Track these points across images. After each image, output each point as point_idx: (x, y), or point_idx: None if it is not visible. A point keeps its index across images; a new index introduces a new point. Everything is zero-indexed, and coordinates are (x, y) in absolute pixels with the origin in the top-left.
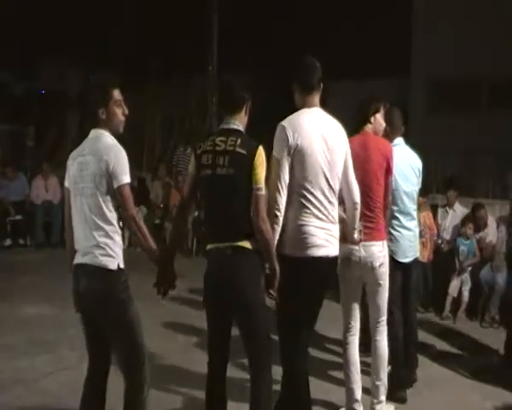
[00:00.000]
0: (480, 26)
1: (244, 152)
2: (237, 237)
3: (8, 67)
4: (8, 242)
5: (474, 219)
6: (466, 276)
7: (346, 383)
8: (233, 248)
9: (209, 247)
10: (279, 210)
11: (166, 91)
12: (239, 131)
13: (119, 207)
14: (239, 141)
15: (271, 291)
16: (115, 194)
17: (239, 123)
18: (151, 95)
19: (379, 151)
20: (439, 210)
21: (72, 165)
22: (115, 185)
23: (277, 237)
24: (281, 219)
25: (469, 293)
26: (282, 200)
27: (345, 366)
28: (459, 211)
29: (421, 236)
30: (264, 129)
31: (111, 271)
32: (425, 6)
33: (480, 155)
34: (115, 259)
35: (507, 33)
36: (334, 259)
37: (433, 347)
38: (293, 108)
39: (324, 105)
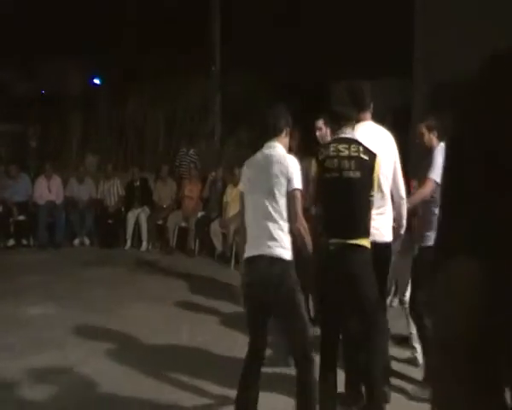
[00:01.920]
0: (481, 26)
1: (367, 158)
2: (356, 234)
3: (10, 66)
4: (11, 242)
5: None
6: None
7: None
8: (352, 245)
9: (328, 242)
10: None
11: (169, 91)
12: (357, 140)
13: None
14: (361, 148)
15: None
16: (288, 195)
17: (353, 133)
18: (153, 95)
19: None
20: None
21: (249, 168)
22: (290, 188)
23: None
24: None
25: None
26: None
27: None
28: None
29: None
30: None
31: (286, 260)
32: (426, 6)
33: None
34: (288, 250)
35: (509, 33)
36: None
37: None
38: (301, 109)
39: (326, 106)
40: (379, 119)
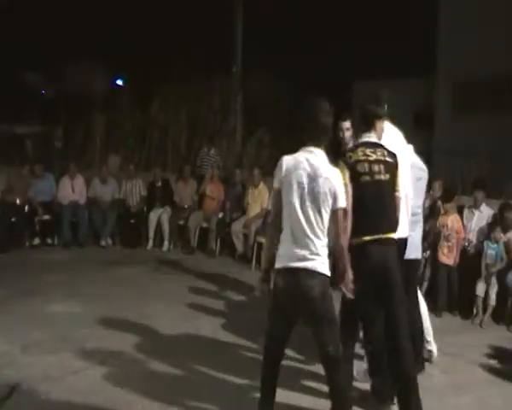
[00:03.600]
0: (506, 26)
1: (392, 161)
2: (389, 230)
3: (37, 68)
4: (36, 241)
5: (502, 219)
6: (493, 279)
7: None
8: (388, 239)
9: (366, 238)
10: None
11: (191, 92)
12: (380, 144)
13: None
14: (386, 152)
15: None
16: (333, 213)
17: (376, 136)
18: (176, 96)
19: None
20: (465, 211)
21: (292, 173)
22: (335, 207)
23: None
24: None
25: (496, 296)
26: None
27: None
28: (485, 212)
29: (448, 240)
30: (294, 127)
31: (327, 276)
32: (450, 5)
33: (507, 156)
34: (327, 266)
35: None
36: None
37: (459, 351)
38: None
39: (350, 105)
40: (400, 119)
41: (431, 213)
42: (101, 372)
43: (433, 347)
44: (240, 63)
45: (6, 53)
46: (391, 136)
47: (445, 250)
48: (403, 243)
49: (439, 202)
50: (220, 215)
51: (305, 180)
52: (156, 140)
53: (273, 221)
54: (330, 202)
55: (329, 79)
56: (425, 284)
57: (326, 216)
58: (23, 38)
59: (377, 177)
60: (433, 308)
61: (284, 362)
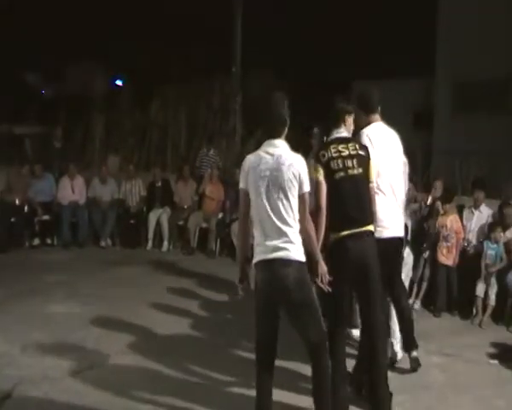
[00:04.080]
0: (506, 26)
1: (364, 154)
2: (366, 223)
3: (37, 68)
4: (36, 241)
5: (502, 217)
6: (492, 279)
7: None
8: (366, 232)
9: (344, 233)
10: None
11: (190, 92)
12: (351, 138)
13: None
14: (357, 146)
15: None
16: (299, 198)
17: (346, 131)
18: (175, 96)
19: None
20: (465, 211)
21: (256, 170)
22: (301, 192)
23: None
24: None
25: (496, 296)
26: None
27: None
28: (485, 212)
29: (447, 240)
30: (290, 127)
31: (302, 262)
32: (450, 5)
33: (507, 156)
34: (302, 252)
35: None
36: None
37: (458, 351)
38: (316, 108)
39: (349, 104)
40: (400, 119)
41: (430, 214)
42: (100, 373)
43: (398, 347)
44: (239, 63)
45: (6, 53)
46: (385, 136)
47: (444, 251)
48: (400, 241)
49: (439, 203)
50: (220, 216)
51: (268, 173)
52: (156, 140)
53: (242, 221)
54: (297, 187)
55: (329, 78)
56: (424, 285)
57: (294, 202)
58: (23, 38)
59: (351, 172)
60: (432, 309)
61: (278, 362)
